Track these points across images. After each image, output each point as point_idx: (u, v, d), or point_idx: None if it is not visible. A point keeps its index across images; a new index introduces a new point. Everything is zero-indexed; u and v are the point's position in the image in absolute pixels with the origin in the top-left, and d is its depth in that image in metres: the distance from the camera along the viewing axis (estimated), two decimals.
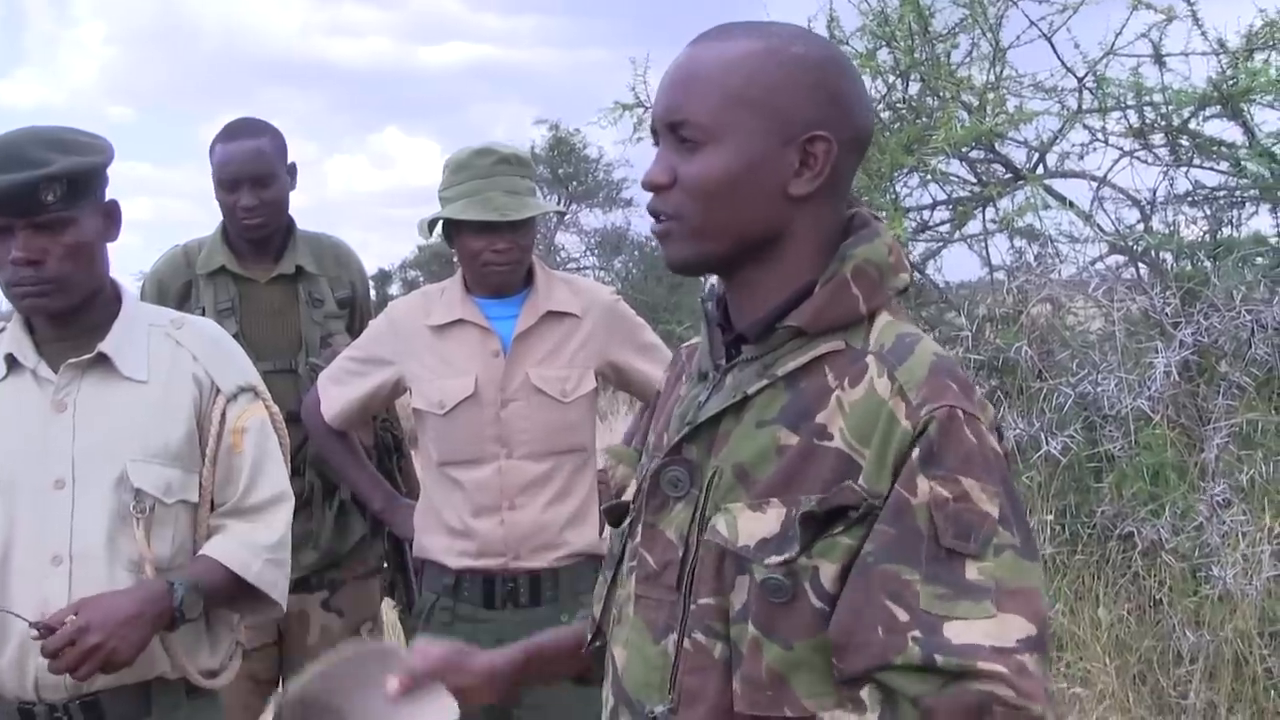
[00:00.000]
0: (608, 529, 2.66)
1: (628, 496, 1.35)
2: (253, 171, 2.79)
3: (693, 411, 1.24)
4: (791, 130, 1.17)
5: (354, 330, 2.98)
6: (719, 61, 1.18)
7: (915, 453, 1.10)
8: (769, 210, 1.18)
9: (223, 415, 1.97)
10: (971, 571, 1.07)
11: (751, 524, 1.15)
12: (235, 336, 2.77)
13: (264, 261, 2.89)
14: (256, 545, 1.95)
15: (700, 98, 1.18)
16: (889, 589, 1.08)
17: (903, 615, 1.07)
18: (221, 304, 2.84)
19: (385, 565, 3.03)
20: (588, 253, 16.65)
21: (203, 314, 2.76)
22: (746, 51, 1.18)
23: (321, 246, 2.98)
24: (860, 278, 1.18)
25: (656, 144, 1.23)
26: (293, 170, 2.91)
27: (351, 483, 2.81)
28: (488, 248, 2.49)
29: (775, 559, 1.13)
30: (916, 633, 1.06)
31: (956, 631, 1.05)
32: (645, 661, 1.24)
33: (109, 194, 1.95)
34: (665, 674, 1.21)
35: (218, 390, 1.97)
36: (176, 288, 2.89)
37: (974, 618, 1.05)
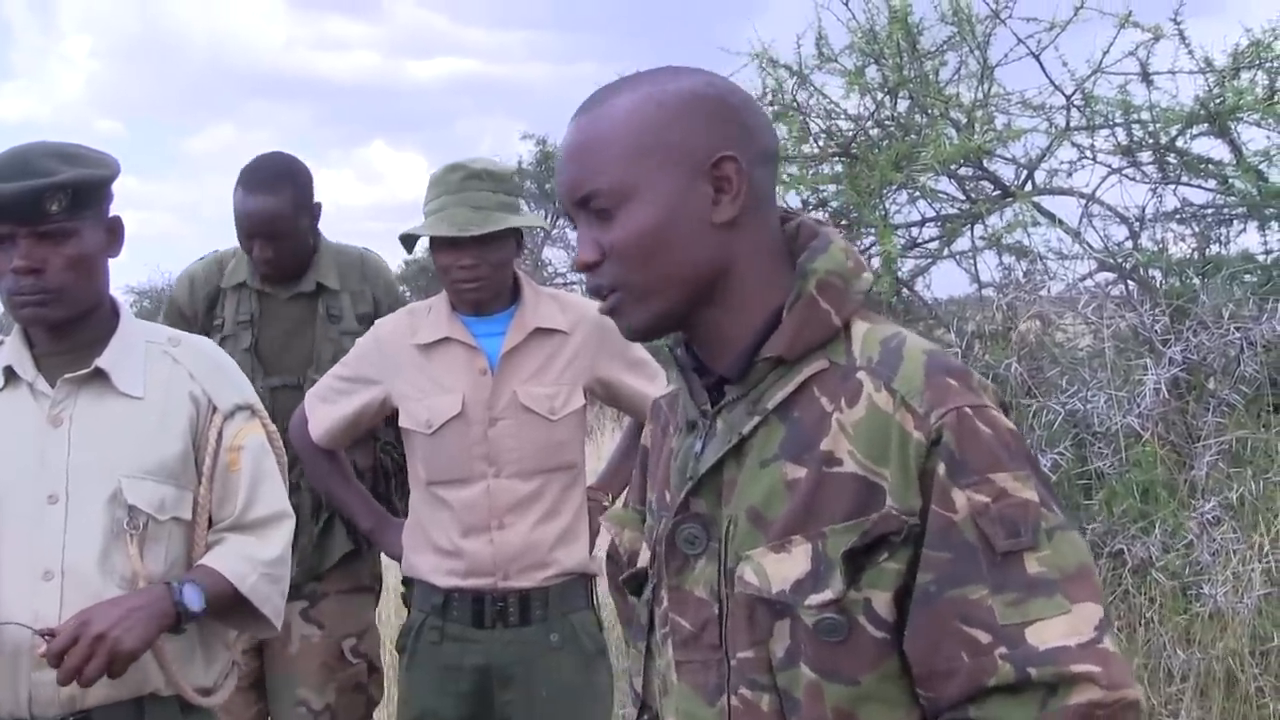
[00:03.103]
0: (598, 547, 2.66)
1: (642, 562, 1.31)
2: (268, 230, 2.77)
3: (691, 464, 1.21)
4: (696, 161, 1.15)
5: None
6: (604, 124, 1.17)
7: (940, 467, 1.08)
8: (703, 247, 1.16)
9: (219, 434, 1.97)
10: (1032, 565, 1.06)
11: (779, 567, 1.13)
12: (249, 350, 2.76)
13: (285, 280, 2.89)
14: (254, 559, 1.95)
15: (598, 165, 1.16)
16: (961, 614, 1.06)
17: (984, 637, 1.05)
18: (241, 317, 2.86)
19: (391, 583, 3.01)
20: (574, 268, 16.63)
21: (223, 326, 2.82)
22: (627, 106, 1.17)
23: (349, 260, 2.96)
24: (826, 291, 1.16)
25: (573, 226, 1.21)
26: (317, 210, 2.88)
27: (339, 501, 2.78)
28: (455, 264, 2.46)
29: (818, 598, 1.10)
30: (1003, 649, 1.04)
31: (1040, 636, 1.04)
32: None
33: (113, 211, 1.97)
34: None
35: (214, 408, 1.98)
36: (207, 291, 2.91)
37: (1050, 615, 1.04)
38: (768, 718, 1.14)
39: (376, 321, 2.72)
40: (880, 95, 5.12)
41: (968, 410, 1.09)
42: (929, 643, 1.07)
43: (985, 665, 1.05)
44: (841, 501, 1.11)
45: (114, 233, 1.96)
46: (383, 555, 2.94)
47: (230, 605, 1.94)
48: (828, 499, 1.11)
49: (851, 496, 1.10)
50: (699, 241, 1.16)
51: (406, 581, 2.97)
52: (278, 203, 2.76)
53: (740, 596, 1.15)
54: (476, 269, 2.47)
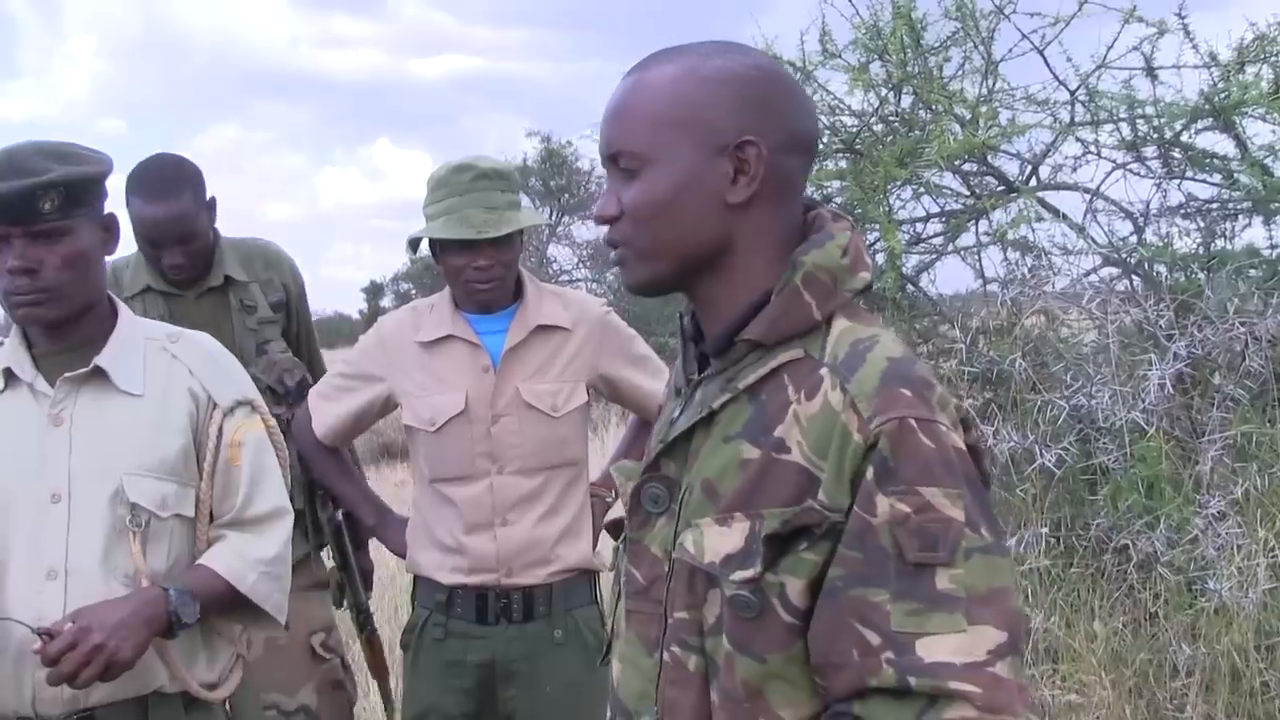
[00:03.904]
0: (600, 544, 2.67)
1: None
2: (176, 234, 2.70)
3: (666, 428, 1.28)
4: (720, 140, 1.20)
5: (290, 333, 2.95)
6: (644, 89, 1.23)
7: (870, 471, 1.11)
8: (711, 222, 1.22)
9: (220, 429, 1.97)
10: (943, 580, 1.08)
11: (717, 540, 1.18)
12: None
13: (194, 280, 2.82)
14: (252, 558, 1.95)
15: (630, 126, 1.23)
16: (859, 613, 1.09)
17: (874, 639, 1.09)
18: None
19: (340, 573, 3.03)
20: (580, 265, 16.63)
21: None
22: (668, 75, 1.22)
23: (249, 251, 2.92)
24: (811, 285, 1.20)
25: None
26: (212, 204, 2.81)
27: (343, 498, 2.81)
28: (469, 264, 2.47)
29: (740, 575, 1.15)
30: (890, 654, 1.08)
31: (929, 649, 1.07)
32: (641, 674, 1.27)
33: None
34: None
35: (214, 404, 1.98)
36: None
37: (946, 632, 1.07)
38: (693, 678, 1.20)
39: (379, 319, 2.72)
40: (884, 91, 5.12)
41: (911, 421, 1.11)
42: (827, 635, 1.11)
43: (871, 665, 1.08)
44: (782, 488, 1.15)
45: (109, 230, 1.96)
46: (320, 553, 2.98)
47: (232, 604, 1.95)
48: (771, 483, 1.16)
49: (791, 484, 1.15)
50: (707, 217, 1.21)
51: (343, 566, 2.98)
52: (181, 207, 2.69)
53: (682, 561, 1.21)
54: (491, 269, 2.48)
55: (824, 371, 1.17)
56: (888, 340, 1.19)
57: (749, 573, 1.15)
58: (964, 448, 1.14)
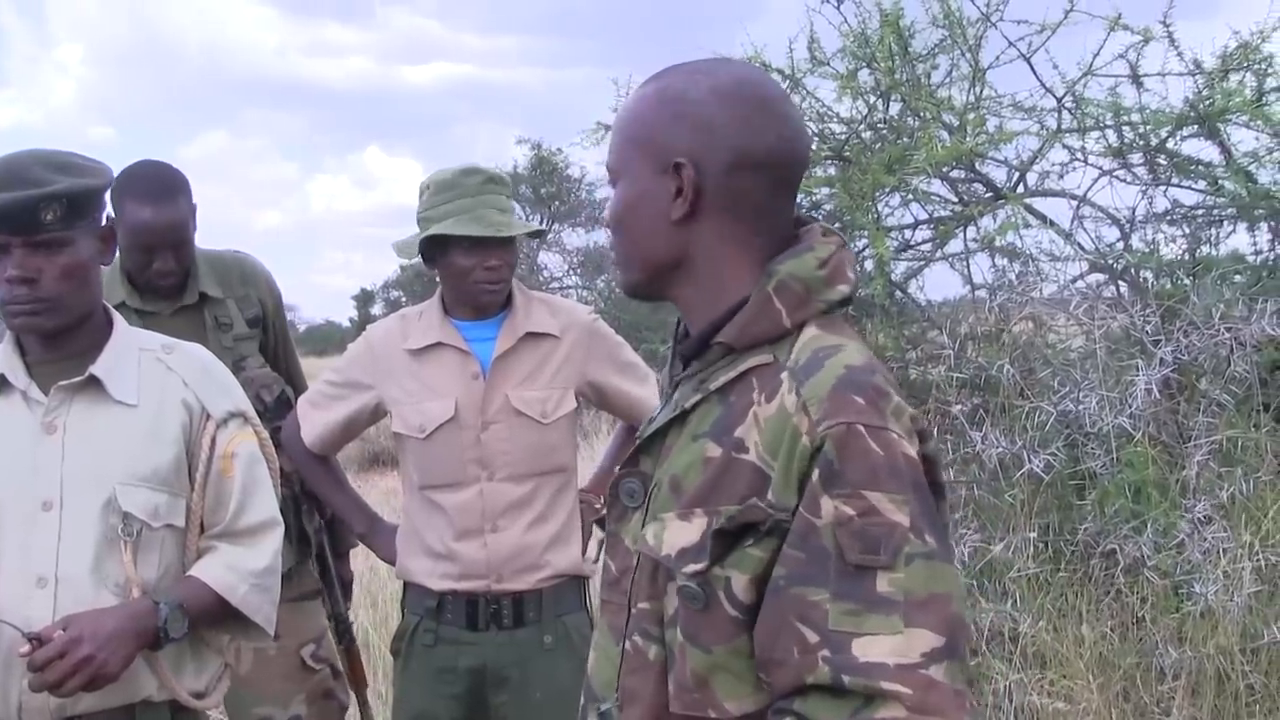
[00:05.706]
0: (590, 549, 2.70)
1: None
2: (171, 239, 2.68)
3: (646, 426, 1.33)
4: (664, 160, 1.26)
5: (268, 347, 2.93)
6: (628, 107, 1.31)
7: (816, 473, 1.13)
8: (661, 236, 1.28)
9: (212, 441, 1.98)
10: (882, 584, 1.10)
11: (677, 534, 1.21)
12: None
13: (177, 291, 2.80)
14: (243, 570, 1.96)
15: (612, 142, 1.31)
16: (799, 611, 1.12)
17: (812, 636, 1.11)
18: None
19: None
20: (570, 272, 16.63)
21: None
22: (644, 94, 1.29)
23: (226, 266, 2.89)
24: (783, 292, 1.24)
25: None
26: (194, 211, 2.78)
27: (334, 506, 2.81)
28: (479, 265, 2.49)
29: (691, 568, 1.19)
30: (826, 652, 1.10)
31: (864, 649, 1.08)
32: (609, 662, 1.30)
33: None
34: None
35: (208, 415, 1.99)
36: None
37: (882, 633, 1.08)
38: (652, 667, 1.23)
39: (368, 327, 2.73)
40: (872, 99, 5.13)
41: (859, 427, 1.13)
42: (770, 632, 1.14)
43: (808, 663, 1.10)
44: (738, 485, 1.18)
45: (107, 241, 1.97)
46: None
47: (222, 616, 1.95)
48: (729, 481, 1.19)
49: (746, 482, 1.18)
50: (657, 231, 1.28)
51: (322, 574, 2.96)
52: (177, 211, 2.68)
53: (643, 553, 1.25)
54: (499, 270, 2.50)
55: (784, 375, 1.20)
56: (851, 349, 1.21)
57: (697, 565, 1.18)
58: (915, 456, 1.16)
